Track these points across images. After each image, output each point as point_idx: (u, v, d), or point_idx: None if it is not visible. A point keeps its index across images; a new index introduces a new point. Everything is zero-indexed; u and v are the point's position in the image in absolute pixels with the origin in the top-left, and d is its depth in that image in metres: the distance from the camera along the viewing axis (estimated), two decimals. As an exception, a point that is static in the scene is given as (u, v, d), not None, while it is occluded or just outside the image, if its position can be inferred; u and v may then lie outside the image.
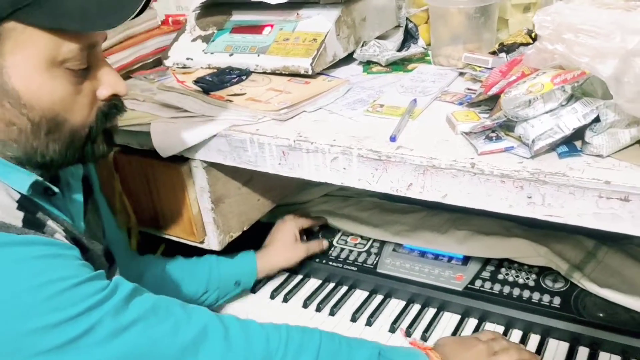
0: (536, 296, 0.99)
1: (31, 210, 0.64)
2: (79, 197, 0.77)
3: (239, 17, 1.14)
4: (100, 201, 0.89)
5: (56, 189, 0.69)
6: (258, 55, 1.06)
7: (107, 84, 0.68)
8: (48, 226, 0.65)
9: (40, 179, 0.66)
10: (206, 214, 0.99)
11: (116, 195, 1.01)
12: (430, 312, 1.03)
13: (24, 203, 0.63)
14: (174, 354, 0.63)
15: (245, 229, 1.08)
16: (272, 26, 1.10)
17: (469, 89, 0.94)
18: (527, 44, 0.94)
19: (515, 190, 0.69)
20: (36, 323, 0.57)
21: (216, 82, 1.00)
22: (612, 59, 0.61)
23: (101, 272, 0.65)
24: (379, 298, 1.08)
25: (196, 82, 1.00)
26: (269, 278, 1.15)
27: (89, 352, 0.59)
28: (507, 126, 0.75)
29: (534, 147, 0.69)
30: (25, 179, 0.65)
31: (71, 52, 0.63)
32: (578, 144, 0.71)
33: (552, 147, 0.71)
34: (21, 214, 0.62)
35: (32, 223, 0.63)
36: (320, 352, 0.71)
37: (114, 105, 0.71)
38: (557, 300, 0.97)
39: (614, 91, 0.63)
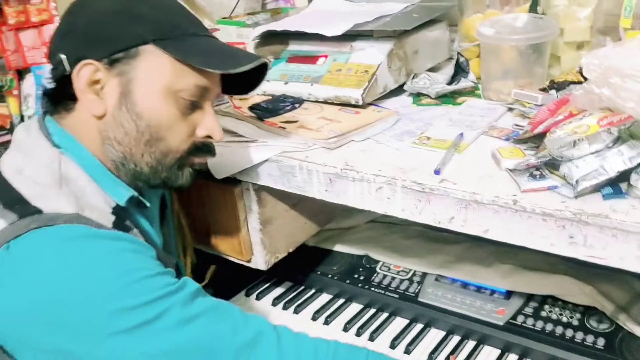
0: (579, 336, 0.97)
1: (122, 217, 0.75)
2: (156, 210, 0.88)
3: (295, 47, 1.19)
4: (171, 220, 0.98)
5: (148, 203, 0.81)
6: (311, 85, 1.10)
7: (206, 126, 0.80)
8: (132, 232, 0.76)
9: (137, 194, 0.78)
10: (254, 234, 1.04)
11: (174, 213, 1.06)
12: (470, 344, 1.03)
13: (117, 211, 0.74)
14: (231, 353, 0.69)
15: (290, 250, 1.12)
16: (326, 57, 1.14)
17: (516, 125, 0.95)
18: (578, 82, 0.94)
19: (557, 229, 0.70)
20: (117, 305, 0.64)
21: (270, 109, 1.05)
22: (659, 104, 0.62)
23: (172, 271, 0.73)
24: (418, 327, 1.08)
25: (251, 108, 1.05)
26: (312, 299, 1.18)
27: (157, 336, 0.65)
28: (553, 164, 0.76)
29: (577, 188, 0.70)
30: (123, 192, 0.76)
31: (188, 85, 0.75)
32: (624, 186, 0.71)
33: (597, 188, 0.71)
34: (112, 218, 0.73)
35: (120, 226, 0.73)
36: None
37: (207, 145, 0.81)
38: (601, 342, 0.95)
39: (660, 136, 0.63)
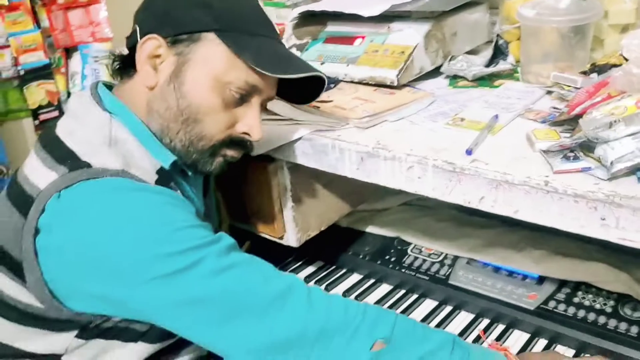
0: (612, 323, 0.96)
1: (166, 178, 0.79)
2: (200, 181, 0.92)
3: (333, 28, 1.20)
4: (213, 195, 1.02)
5: (190, 172, 0.85)
6: (347, 65, 1.11)
7: (247, 123, 0.82)
8: (176, 192, 0.80)
9: (180, 161, 0.81)
10: (287, 211, 1.06)
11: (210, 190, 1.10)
12: (499, 328, 1.03)
13: (160, 172, 0.79)
14: (263, 301, 0.72)
15: (322, 228, 1.14)
16: (363, 38, 1.14)
17: (554, 108, 0.93)
18: (620, 65, 0.92)
19: (589, 211, 0.69)
20: (154, 251, 0.69)
21: (306, 88, 1.06)
22: (699, 85, 0.60)
23: (209, 225, 0.77)
24: (447, 309, 1.09)
25: (287, 87, 1.07)
26: (342, 279, 1.20)
27: (193, 283, 0.70)
28: (588, 147, 0.75)
29: (612, 169, 0.69)
30: (168, 156, 0.80)
31: (237, 79, 0.79)
32: (660, 169, 0.69)
33: (632, 171, 0.70)
34: (156, 177, 0.78)
35: (162, 185, 0.78)
36: (396, 327, 0.75)
37: (243, 140, 0.84)
38: (634, 330, 0.94)
39: (699, 118, 0.61)
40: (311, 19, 1.23)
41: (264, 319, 0.72)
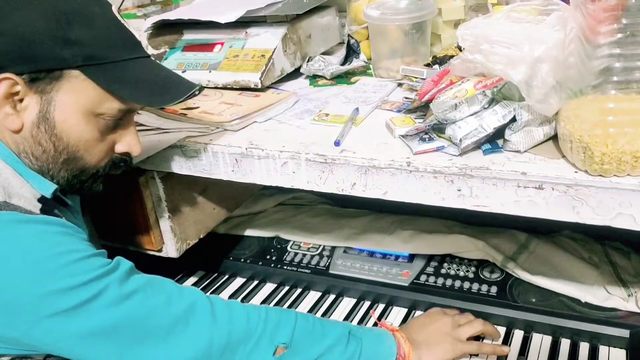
0: (475, 287, 1.07)
1: (49, 206, 0.74)
2: (78, 201, 0.89)
3: (190, 36, 1.19)
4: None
5: (70, 202, 0.81)
6: (210, 72, 1.11)
7: (126, 143, 0.81)
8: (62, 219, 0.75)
9: (58, 190, 0.77)
10: (164, 222, 1.04)
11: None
12: (380, 307, 1.10)
13: (43, 200, 0.74)
14: (167, 323, 0.72)
15: (201, 236, 1.13)
16: (222, 44, 1.16)
17: (406, 98, 1.02)
18: (456, 56, 1.03)
19: (447, 184, 0.77)
20: (53, 286, 0.65)
21: (170, 97, 1.05)
22: (522, 65, 0.70)
23: (104, 251, 0.74)
24: (331, 297, 1.14)
25: (150, 97, 1.05)
26: (226, 284, 1.20)
27: (96, 315, 0.67)
28: (439, 129, 0.84)
29: (461, 146, 0.77)
30: (48, 185, 0.76)
31: (111, 110, 0.76)
32: (500, 142, 0.80)
33: (478, 145, 0.79)
34: (40, 205, 0.73)
35: (48, 214, 0.73)
36: (295, 330, 0.79)
37: (124, 160, 0.83)
38: (494, 289, 1.06)
39: (525, 93, 0.71)
40: (166, 28, 1.22)
41: (169, 341, 0.72)
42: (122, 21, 0.78)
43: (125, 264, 0.73)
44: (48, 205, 0.74)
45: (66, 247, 0.68)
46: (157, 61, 1.17)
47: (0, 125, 0.73)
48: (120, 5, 1.52)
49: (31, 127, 0.73)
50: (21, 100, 0.72)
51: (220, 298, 0.80)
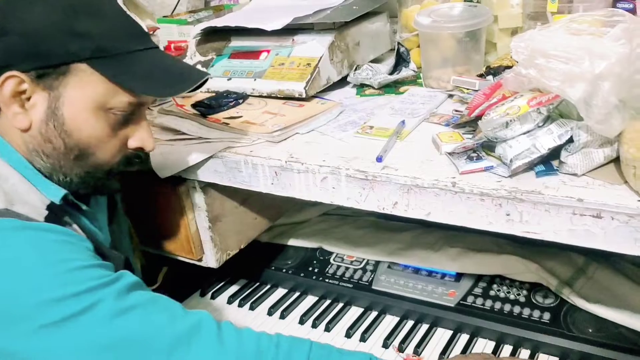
0: (526, 312, 1.01)
1: (58, 214, 0.73)
2: (104, 208, 0.87)
3: (237, 43, 1.18)
4: (122, 219, 0.97)
5: (84, 207, 0.78)
6: (254, 80, 1.10)
7: (139, 137, 0.78)
8: (71, 227, 0.74)
9: (70, 196, 0.75)
10: (204, 232, 1.03)
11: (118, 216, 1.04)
12: (423, 327, 1.05)
13: (51, 207, 0.72)
14: (167, 343, 0.67)
15: (242, 247, 1.11)
16: (268, 51, 1.14)
17: (456, 111, 0.97)
18: (512, 67, 0.97)
19: (495, 208, 0.72)
20: (44, 295, 0.63)
21: (213, 105, 1.04)
22: (581, 82, 0.65)
23: (109, 264, 0.71)
24: (373, 314, 1.10)
25: (194, 105, 1.04)
26: (267, 295, 1.18)
27: (89, 329, 0.64)
28: (489, 146, 0.78)
29: (511, 167, 0.72)
30: (57, 191, 0.74)
31: (121, 104, 0.74)
32: (555, 163, 0.74)
33: (530, 167, 0.73)
34: (45, 213, 0.71)
35: (54, 222, 0.71)
36: (310, 357, 0.72)
37: (138, 155, 0.81)
38: (547, 316, 0.99)
39: (583, 113, 0.66)
40: (214, 35, 1.21)
41: None
42: (129, 13, 0.77)
43: (127, 277, 0.69)
44: (56, 213, 0.72)
45: (62, 256, 0.66)
46: (204, 68, 1.17)
47: (9, 127, 0.73)
48: (173, 11, 1.54)
49: (40, 125, 0.72)
50: (29, 99, 0.71)
51: (231, 323, 0.74)
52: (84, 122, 0.72)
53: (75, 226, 0.75)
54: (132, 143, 0.78)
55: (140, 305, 0.67)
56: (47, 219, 0.70)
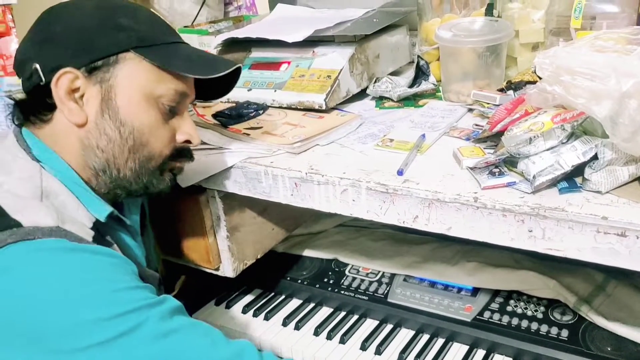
0: (544, 328, 1.00)
1: (101, 232, 0.75)
2: (137, 218, 0.90)
3: (257, 54, 1.19)
4: (150, 230, 0.98)
5: (128, 221, 0.82)
6: (275, 91, 1.11)
7: (185, 131, 0.82)
8: (113, 247, 0.76)
9: (116, 211, 0.78)
10: (222, 241, 1.03)
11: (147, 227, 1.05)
12: (439, 342, 1.05)
13: (97, 226, 0.74)
14: None
15: (259, 256, 1.12)
16: (289, 63, 1.15)
17: (476, 125, 0.97)
18: (534, 82, 0.97)
19: (517, 224, 0.72)
20: (92, 315, 0.63)
21: (234, 116, 1.05)
22: (607, 100, 0.64)
23: (151, 287, 0.72)
24: (388, 327, 1.10)
25: (215, 115, 1.05)
26: (282, 305, 1.18)
27: (133, 349, 0.64)
28: (511, 162, 0.78)
29: (534, 183, 0.72)
30: (104, 209, 0.76)
31: (168, 91, 0.77)
32: (578, 180, 0.73)
33: (553, 183, 0.73)
34: (92, 233, 0.72)
35: (100, 241, 0.73)
36: None
37: (187, 149, 0.84)
38: (565, 333, 0.98)
39: (609, 131, 0.65)
40: (235, 46, 1.23)
41: None
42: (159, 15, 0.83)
43: (171, 302, 0.70)
44: (101, 232, 0.74)
45: (109, 277, 0.67)
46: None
47: (60, 133, 0.75)
48: (194, 21, 1.55)
49: (95, 117, 0.74)
50: (82, 96, 0.74)
51: (274, 355, 0.75)
52: (137, 109, 0.75)
53: (115, 246, 0.76)
54: (180, 137, 0.81)
55: (183, 328, 0.68)
56: (95, 239, 0.71)
